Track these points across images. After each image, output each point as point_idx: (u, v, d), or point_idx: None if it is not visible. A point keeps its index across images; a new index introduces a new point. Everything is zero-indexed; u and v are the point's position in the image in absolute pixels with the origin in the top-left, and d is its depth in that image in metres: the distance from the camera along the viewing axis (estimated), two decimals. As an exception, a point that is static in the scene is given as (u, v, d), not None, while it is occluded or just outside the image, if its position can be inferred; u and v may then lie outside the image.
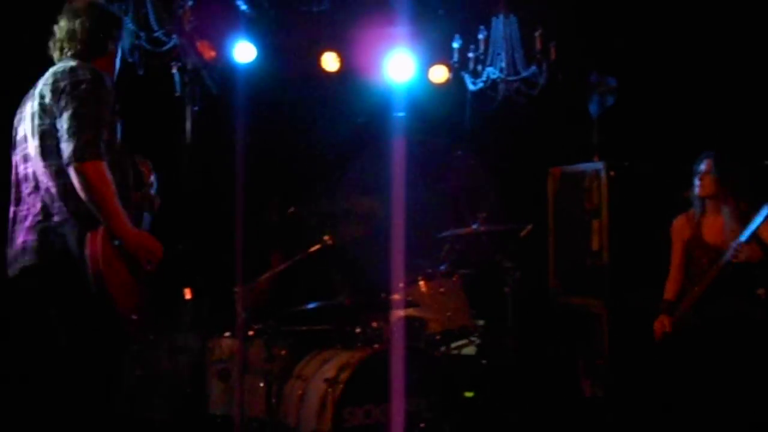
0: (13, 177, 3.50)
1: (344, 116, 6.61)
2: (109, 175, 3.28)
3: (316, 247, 5.14)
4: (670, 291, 5.21)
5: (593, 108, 6.38)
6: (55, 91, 3.33)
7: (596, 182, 6.11)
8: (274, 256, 5.62)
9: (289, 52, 6.73)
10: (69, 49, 3.51)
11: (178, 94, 2.88)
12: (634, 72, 6.48)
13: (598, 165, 6.13)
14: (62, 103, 3.30)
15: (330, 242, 5.10)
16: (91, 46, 3.52)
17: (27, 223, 3.37)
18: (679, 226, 5.24)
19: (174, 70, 2.87)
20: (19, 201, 3.45)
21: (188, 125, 2.82)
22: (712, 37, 6.31)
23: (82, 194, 3.25)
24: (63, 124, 3.27)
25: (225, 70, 6.19)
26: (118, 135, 3.46)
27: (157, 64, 3.58)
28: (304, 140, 6.66)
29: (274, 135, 6.51)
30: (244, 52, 6.33)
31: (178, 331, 4.97)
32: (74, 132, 3.23)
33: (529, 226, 5.68)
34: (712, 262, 4.91)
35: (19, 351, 3.44)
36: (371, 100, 6.70)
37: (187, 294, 2.79)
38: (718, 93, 6.36)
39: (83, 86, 3.29)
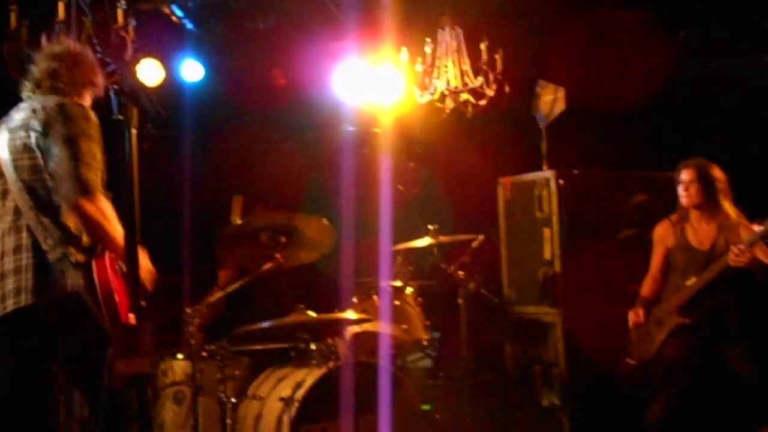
0: None
1: (293, 132, 6.60)
2: (109, 209, 3.29)
3: (268, 265, 5.12)
4: (647, 289, 5.29)
5: (540, 117, 6.42)
6: (46, 127, 3.30)
7: (546, 191, 6.14)
8: (222, 273, 5.58)
9: (237, 69, 6.71)
10: (49, 87, 3.48)
11: (115, 117, 2.85)
12: (581, 80, 6.54)
13: (548, 174, 6.17)
14: (55, 140, 3.28)
15: (281, 260, 5.07)
16: (71, 87, 3.50)
17: (15, 261, 3.29)
18: (662, 231, 5.28)
19: (111, 94, 2.85)
20: None
21: (127, 148, 2.79)
22: (657, 43, 6.40)
23: (86, 229, 3.27)
24: (60, 163, 3.26)
25: (172, 90, 6.16)
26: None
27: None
28: (253, 156, 6.63)
29: (223, 152, 6.49)
30: (191, 70, 6.30)
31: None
32: (73, 171, 3.23)
33: (481, 237, 5.71)
34: (699, 267, 4.97)
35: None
36: (320, 114, 6.70)
37: (132, 320, 2.76)
38: (664, 99, 6.44)
39: (77, 123, 3.30)
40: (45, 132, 3.30)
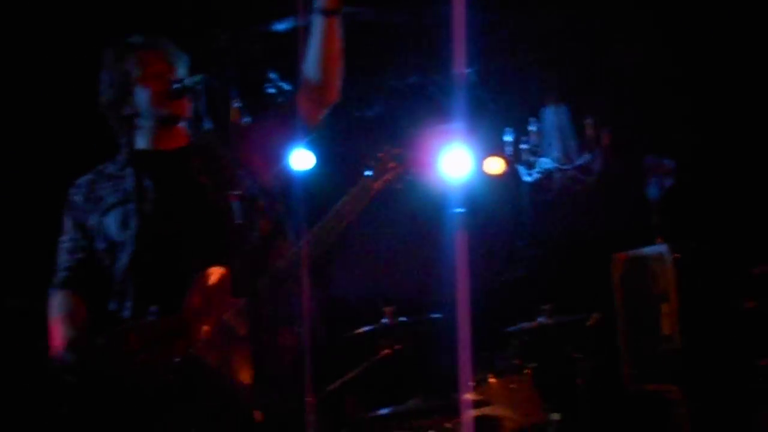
0: None
1: (404, 216, 6.67)
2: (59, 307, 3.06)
3: (385, 352, 5.16)
4: None
5: (652, 191, 6.36)
6: None
7: (661, 265, 6.05)
8: None
9: (347, 156, 6.85)
10: None
11: (238, 222, 2.94)
12: (691, 152, 6.46)
13: (662, 248, 6.08)
14: None
15: (399, 347, 5.11)
16: None
17: None
18: None
19: (234, 200, 2.93)
20: None
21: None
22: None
23: None
24: None
25: (286, 180, 6.31)
26: None
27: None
28: (365, 243, 6.72)
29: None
30: (302, 159, 6.43)
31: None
32: None
33: (596, 315, 5.63)
34: None
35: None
36: (429, 198, 6.75)
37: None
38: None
39: None
40: None
